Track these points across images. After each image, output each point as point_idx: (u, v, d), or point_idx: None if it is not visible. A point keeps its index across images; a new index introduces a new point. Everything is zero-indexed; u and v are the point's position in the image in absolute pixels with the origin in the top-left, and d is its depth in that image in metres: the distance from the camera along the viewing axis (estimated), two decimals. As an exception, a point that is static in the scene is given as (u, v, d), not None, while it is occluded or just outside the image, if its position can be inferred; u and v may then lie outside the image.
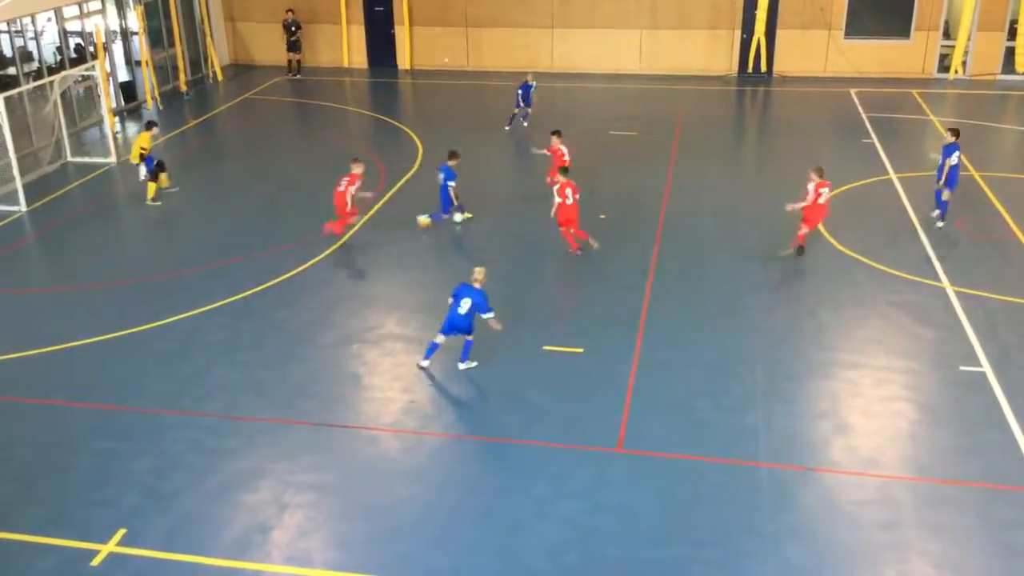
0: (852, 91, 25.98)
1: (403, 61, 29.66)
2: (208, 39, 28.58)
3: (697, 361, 12.35)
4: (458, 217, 17.01)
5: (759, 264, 15.22)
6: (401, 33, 29.41)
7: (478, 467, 10.41)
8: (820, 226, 16.45)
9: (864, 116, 23.57)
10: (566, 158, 17.25)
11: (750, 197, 18.45)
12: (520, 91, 22.62)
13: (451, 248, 16.35)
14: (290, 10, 28.83)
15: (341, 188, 15.79)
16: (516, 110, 22.80)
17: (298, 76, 29.00)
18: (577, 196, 15.26)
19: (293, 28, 28.81)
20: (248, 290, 14.41)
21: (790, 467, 10.22)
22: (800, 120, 24.11)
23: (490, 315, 11.89)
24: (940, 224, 16.48)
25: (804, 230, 15.32)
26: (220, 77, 28.61)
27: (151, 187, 18.49)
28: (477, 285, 11.86)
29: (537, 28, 28.65)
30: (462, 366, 12.24)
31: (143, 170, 18.44)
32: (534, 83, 22.79)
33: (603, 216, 17.20)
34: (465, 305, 11.82)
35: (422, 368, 12.24)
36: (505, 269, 15.25)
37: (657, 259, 15.43)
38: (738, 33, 27.85)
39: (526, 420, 11.15)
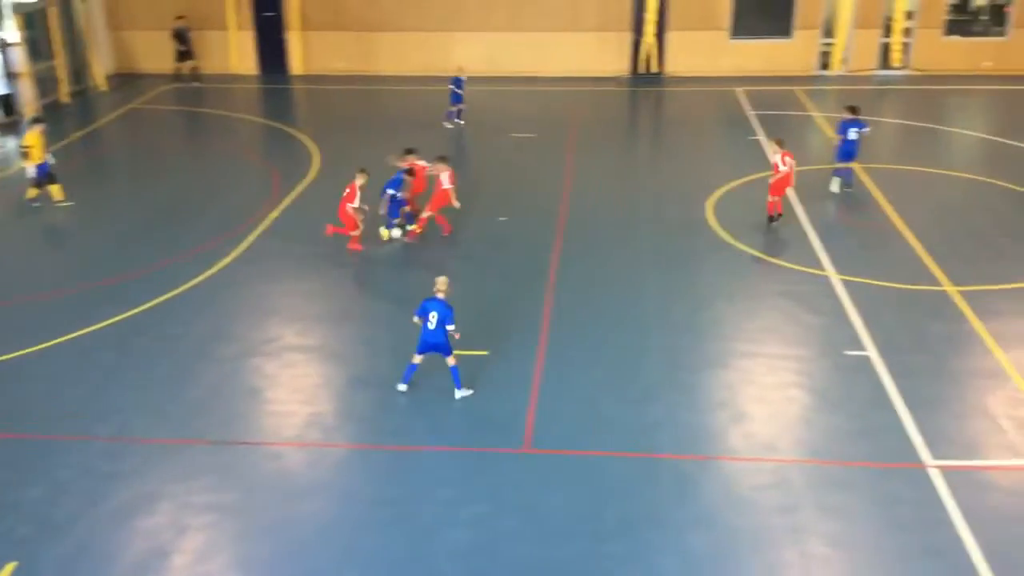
0: (739, 89, 26.77)
1: (295, 66, 29.21)
2: (90, 49, 27.58)
3: (600, 357, 12.53)
4: (396, 233, 16.37)
5: (656, 260, 15.54)
6: (292, 38, 28.97)
7: (384, 477, 10.32)
8: (713, 221, 16.95)
9: (750, 113, 24.32)
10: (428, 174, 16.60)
11: (645, 195, 18.82)
12: (452, 86, 22.94)
13: (347, 255, 16.14)
14: (180, 16, 28.02)
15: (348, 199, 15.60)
16: (459, 106, 23.06)
17: (198, 84, 28.20)
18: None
19: (184, 35, 28.02)
20: (139, 306, 13.96)
21: (692, 457, 10.46)
22: (690, 119, 24.73)
23: (452, 327, 11.36)
24: (846, 190, 18.25)
25: (772, 199, 16.52)
26: (104, 87, 27.65)
27: (33, 191, 18.04)
28: (441, 296, 11.41)
29: (432, 32, 28.61)
30: (458, 395, 11.63)
31: (32, 172, 17.90)
32: (464, 77, 23.05)
33: (503, 218, 17.30)
34: (433, 319, 11.31)
35: (401, 391, 11.76)
36: (406, 274, 15.20)
37: (558, 258, 15.60)
38: (629, 35, 28.37)
39: (431, 426, 11.13)
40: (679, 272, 15.13)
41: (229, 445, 10.77)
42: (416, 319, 11.47)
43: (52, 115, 24.82)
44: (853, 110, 18.33)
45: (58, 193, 18.17)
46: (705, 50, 28.41)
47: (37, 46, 25.52)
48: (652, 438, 10.81)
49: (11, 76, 24.86)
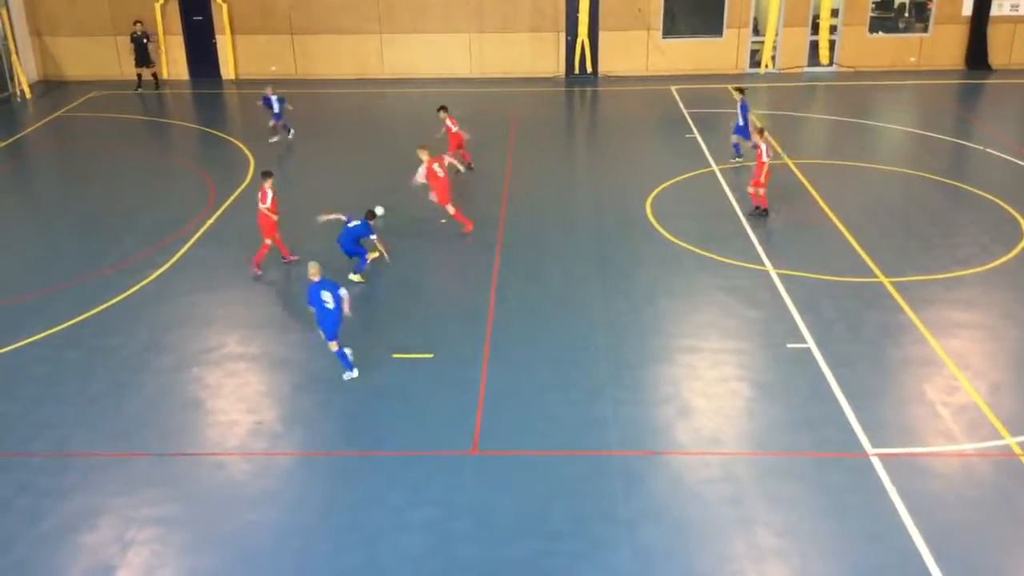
0: (673, 88, 27.11)
1: (227, 71, 28.74)
2: (13, 55, 26.77)
3: (545, 357, 12.57)
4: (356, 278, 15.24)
5: (597, 258, 15.65)
6: (223, 42, 28.50)
7: (332, 484, 10.21)
8: (653, 218, 17.15)
9: (685, 112, 24.64)
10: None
11: (584, 193, 18.95)
12: (263, 102, 22.24)
13: (275, 258, 15.91)
14: (138, 21, 27.27)
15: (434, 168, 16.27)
16: (274, 123, 22.21)
17: (156, 90, 27.56)
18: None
19: (143, 40, 27.30)
20: (72, 319, 13.59)
21: (639, 453, 10.56)
22: (627, 118, 24.96)
23: (343, 292, 11.85)
24: (738, 159, 20.19)
25: (757, 190, 17.06)
26: (28, 95, 26.86)
27: None
28: (317, 278, 11.80)
29: (365, 34, 28.40)
30: (352, 374, 12.10)
31: None
32: (274, 95, 22.06)
33: (444, 221, 17.24)
34: (330, 299, 11.72)
35: (354, 378, 12.03)
36: (343, 280, 15.04)
37: (500, 259, 15.61)
38: (563, 35, 28.54)
39: (379, 431, 11.05)
40: (620, 270, 15.26)
41: (172, 457, 10.55)
42: (310, 308, 11.85)
43: (-27, 124, 24.06)
44: (741, 91, 20.24)
45: None
46: (638, 50, 28.71)
47: (-45, 53, 24.70)
48: (599, 436, 10.88)
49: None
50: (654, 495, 9.89)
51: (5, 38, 26.54)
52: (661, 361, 12.55)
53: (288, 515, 9.65)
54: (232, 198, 18.55)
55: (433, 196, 16.59)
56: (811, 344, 12.75)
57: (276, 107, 21.96)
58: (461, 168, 18.89)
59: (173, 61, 28.67)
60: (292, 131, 22.43)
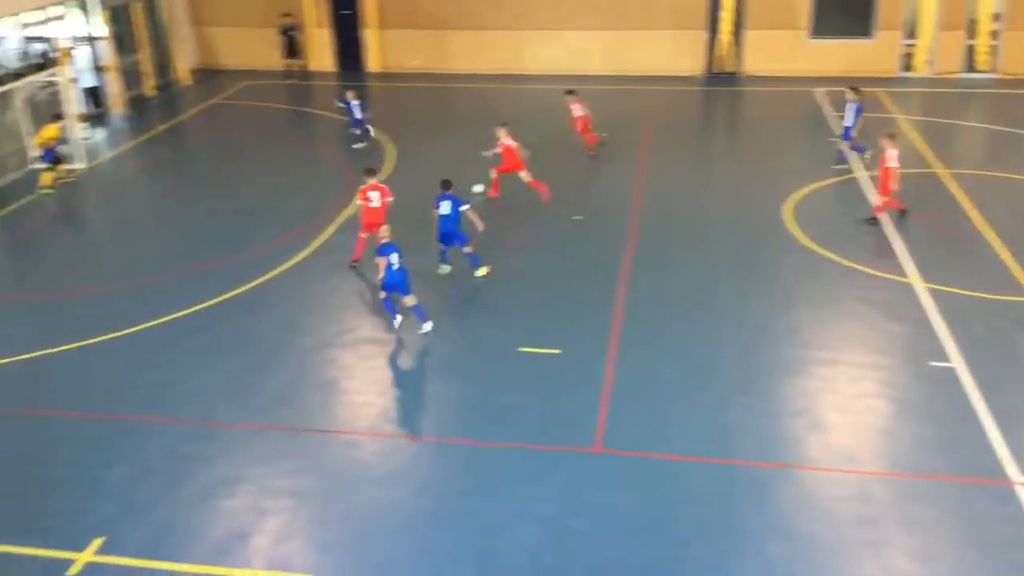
0: (818, 90, 26.27)
1: (371, 64, 29.55)
2: (174, 44, 28.29)
3: (673, 360, 12.42)
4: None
5: (732, 262, 15.34)
6: (369, 36, 29.31)
7: (456, 470, 10.39)
8: (792, 224, 16.70)
9: (830, 115, 23.84)
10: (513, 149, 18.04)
11: (720, 195, 18.59)
12: (343, 105, 22.06)
13: (424, 252, 16.24)
14: (287, 14, 28.45)
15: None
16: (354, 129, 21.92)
17: (303, 81, 28.52)
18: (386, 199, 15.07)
19: (291, 32, 28.47)
20: (220, 296, 14.27)
21: (768, 464, 10.30)
22: (767, 119, 24.34)
23: (393, 256, 12.85)
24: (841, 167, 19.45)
25: (887, 198, 16.53)
26: (187, 82, 28.33)
27: (48, 176, 18.82)
28: (387, 240, 12.89)
29: (504, 30, 28.68)
30: (427, 327, 13.02)
31: (42, 158, 18.82)
32: (355, 101, 21.80)
33: (579, 218, 17.27)
34: (396, 259, 12.80)
35: (426, 332, 12.99)
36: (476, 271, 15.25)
37: (631, 258, 15.51)
38: (705, 33, 28.07)
39: (503, 422, 11.15)
40: (756, 275, 14.91)
41: (307, 433, 10.95)
42: (378, 259, 12.82)
43: (137, 108, 25.58)
44: (856, 91, 19.37)
45: (62, 172, 19.36)
46: (783, 50, 27.94)
47: (123, 41, 26.25)
48: (727, 443, 10.67)
49: (99, 70, 25.64)
50: (782, 509, 9.63)
51: (167, 27, 28.05)
52: (796, 372, 12.20)
53: (412, 497, 9.88)
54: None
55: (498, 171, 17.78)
56: (956, 363, 12.14)
57: (357, 113, 21.76)
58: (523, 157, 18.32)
59: (320, 53, 29.68)
60: (371, 132, 22.09)
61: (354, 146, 21.73)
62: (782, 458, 10.44)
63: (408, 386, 12.10)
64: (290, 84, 28.38)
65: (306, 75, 28.90)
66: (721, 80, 28.00)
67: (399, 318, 13.21)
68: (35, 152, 19.20)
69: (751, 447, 10.60)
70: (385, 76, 29.18)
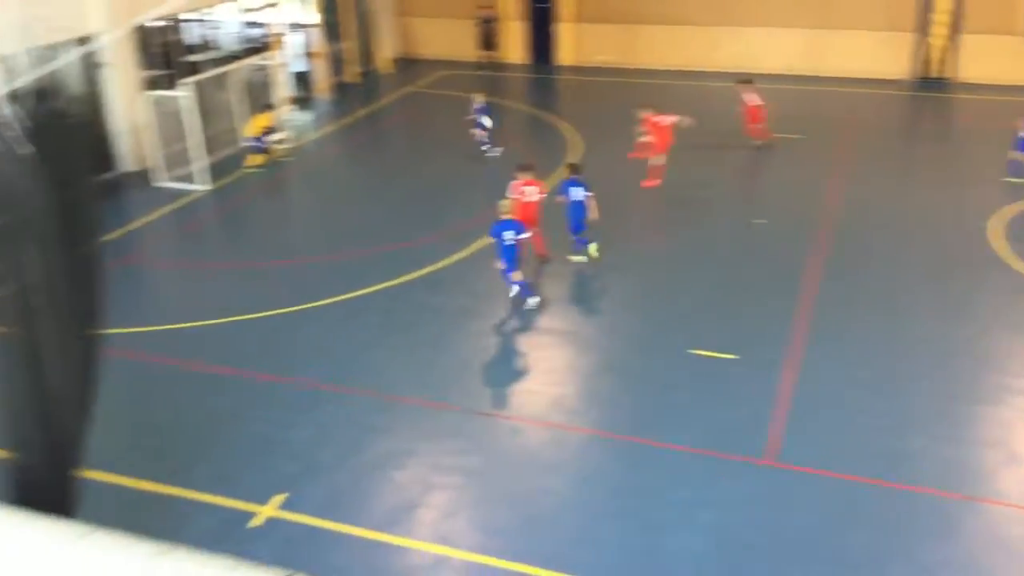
0: (1040, 101, 24.29)
1: (563, 57, 29.77)
2: (378, 33, 29.54)
3: (858, 376, 11.85)
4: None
5: (931, 279, 14.47)
6: (563, 29, 29.53)
7: (621, 467, 10.35)
8: (1000, 242, 15.58)
9: (1053, 128, 21.97)
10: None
11: (921, 207, 17.56)
12: (477, 113, 21.06)
13: (608, 247, 16.22)
14: (485, 6, 29.21)
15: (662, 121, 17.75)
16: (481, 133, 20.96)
17: (495, 72, 29.11)
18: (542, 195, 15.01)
19: (489, 24, 29.22)
20: (401, 276, 14.80)
21: (953, 495, 9.67)
22: (980, 130, 22.74)
23: (527, 235, 13.56)
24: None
25: None
26: (388, 70, 29.52)
27: (257, 158, 20.12)
28: (505, 216, 13.40)
29: (702, 25, 28.17)
30: (533, 301, 13.63)
31: (255, 144, 20.16)
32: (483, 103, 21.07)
33: (762, 221, 16.78)
34: (509, 236, 13.28)
35: (535, 303, 13.59)
36: (658, 271, 15.11)
37: (819, 267, 14.91)
38: (916, 36, 26.53)
39: (673, 424, 11.00)
40: (956, 294, 13.99)
41: (477, 415, 11.21)
42: (493, 239, 13.49)
43: (340, 93, 26.90)
44: None
45: (259, 160, 20.40)
46: (1003, 56, 25.99)
47: (332, 29, 27.67)
48: (909, 469, 10.08)
49: (307, 56, 27.16)
50: (964, 544, 9.02)
51: (372, 17, 29.33)
52: (992, 401, 11.36)
53: (576, 489, 9.93)
54: (553, 178, 19.20)
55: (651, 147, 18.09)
56: None
57: (486, 120, 20.99)
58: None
59: (514, 45, 30.18)
60: (489, 146, 20.97)
61: (488, 154, 20.88)
62: (970, 490, 9.76)
63: (578, 378, 12.15)
64: (483, 75, 29.04)
65: (499, 66, 29.47)
66: (931, 86, 26.41)
67: (537, 298, 13.73)
68: (246, 142, 20.49)
69: (936, 475, 9.97)
70: (575, 70, 29.33)
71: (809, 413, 11.09)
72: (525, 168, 15.29)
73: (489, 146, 20.94)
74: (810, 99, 25.36)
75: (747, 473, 10.09)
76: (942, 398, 11.34)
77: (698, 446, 10.55)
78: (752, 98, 20.36)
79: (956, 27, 26.09)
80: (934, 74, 26.56)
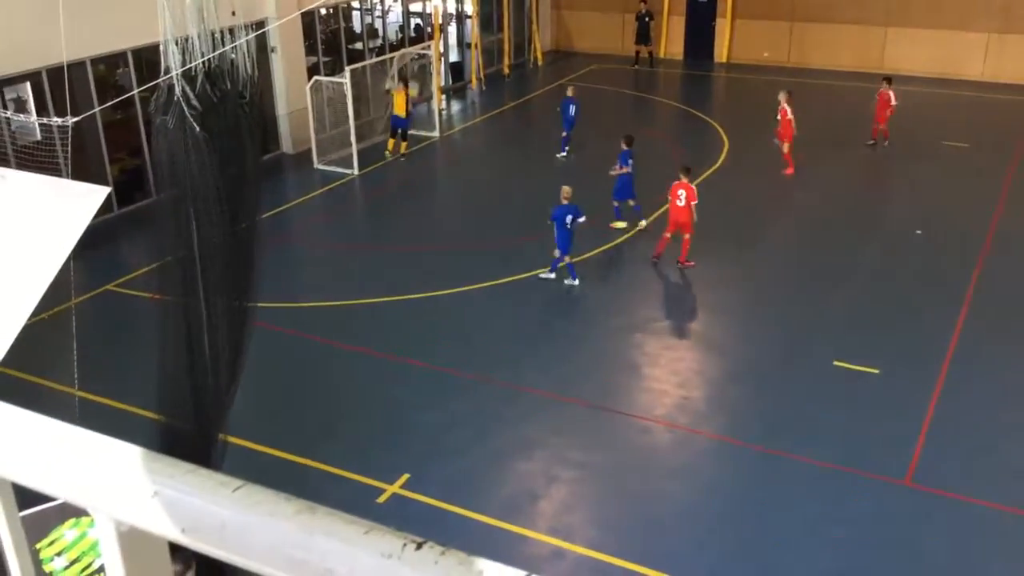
0: None
1: (720, 54, 29.15)
2: (534, 25, 29.78)
3: (1011, 400, 11.15)
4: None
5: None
6: (722, 25, 28.91)
7: (748, 475, 10.12)
8: None
9: None
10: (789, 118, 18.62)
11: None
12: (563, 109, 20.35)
13: (743, 248, 15.83)
14: (644, 0, 29.03)
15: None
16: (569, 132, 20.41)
17: (650, 68, 28.89)
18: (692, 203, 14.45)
19: (646, 19, 29.06)
20: (534, 269, 14.84)
21: (1112, 536, 8.98)
22: None
23: (583, 219, 13.87)
24: None
25: None
26: (541, 62, 29.72)
27: (403, 143, 20.34)
28: (566, 201, 13.81)
29: (869, 25, 26.96)
30: (573, 282, 13.99)
31: (403, 123, 20.27)
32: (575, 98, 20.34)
33: (919, 232, 15.98)
34: (570, 220, 13.67)
35: (575, 285, 13.96)
36: (803, 277, 14.64)
37: (977, 283, 14.08)
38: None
39: (805, 435, 10.65)
40: None
41: (604, 411, 11.20)
42: (551, 223, 13.87)
43: (492, 84, 27.27)
44: None
45: (402, 148, 20.43)
46: None
47: (488, 20, 28.07)
48: (1064, 503, 9.43)
49: (464, 46, 27.67)
50: (1123, 589, 8.37)
51: (530, 10, 29.58)
52: None
53: (698, 494, 9.78)
54: (703, 177, 18.88)
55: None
56: None
57: (572, 112, 20.38)
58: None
59: (671, 41, 29.77)
60: (568, 148, 20.43)
61: (557, 155, 20.47)
62: None
63: (708, 382, 11.95)
64: (637, 70, 28.77)
65: (653, 61, 29.13)
66: (1121, 94, 24.39)
67: (576, 281, 14.02)
68: (396, 122, 20.64)
69: (1093, 513, 9.28)
70: (733, 67, 28.67)
71: (954, 435, 10.52)
72: (685, 170, 14.87)
73: (564, 148, 20.39)
74: (986, 107, 23.88)
75: (884, 492, 9.68)
76: (1107, 432, 10.53)
77: (834, 461, 10.18)
78: (891, 97, 19.86)
79: None
80: None
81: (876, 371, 11.81)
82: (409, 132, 20.76)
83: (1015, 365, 11.90)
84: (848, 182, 18.63)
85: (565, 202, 13.91)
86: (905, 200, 17.42)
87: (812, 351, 12.33)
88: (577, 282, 14.06)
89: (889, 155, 20.11)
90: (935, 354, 12.14)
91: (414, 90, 21.57)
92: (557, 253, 14.02)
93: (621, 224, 16.15)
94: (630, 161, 16.07)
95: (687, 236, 14.56)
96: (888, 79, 20.36)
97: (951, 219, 16.75)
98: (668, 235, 14.82)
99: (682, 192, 14.48)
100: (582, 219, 13.95)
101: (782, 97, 18.82)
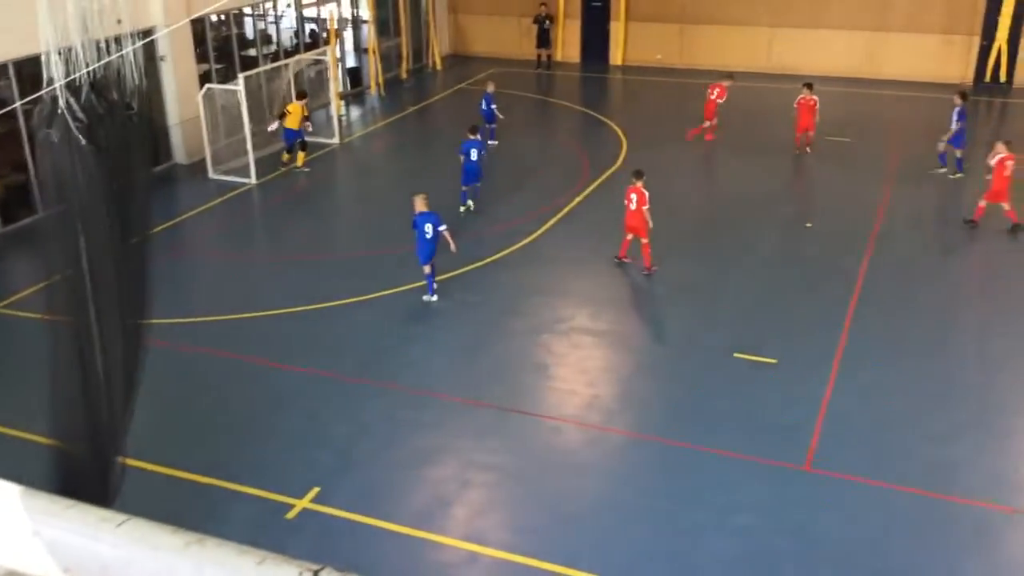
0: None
1: (615, 56, 29.64)
2: (431, 30, 29.71)
3: (901, 384, 11.66)
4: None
5: (981, 288, 14.17)
6: (616, 28, 29.41)
7: (657, 469, 10.31)
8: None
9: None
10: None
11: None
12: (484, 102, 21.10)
13: (652, 247, 16.13)
14: (543, 4, 29.23)
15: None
16: (492, 125, 21.10)
17: (548, 71, 29.18)
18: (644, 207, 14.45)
19: (545, 23, 29.26)
20: (447, 273, 14.88)
21: (998, 507, 9.47)
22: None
23: (444, 227, 13.61)
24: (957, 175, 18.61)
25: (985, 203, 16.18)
26: (439, 67, 29.68)
27: (300, 155, 19.93)
28: (425, 209, 13.61)
29: (756, 26, 27.83)
30: (425, 299, 13.85)
31: (295, 136, 19.78)
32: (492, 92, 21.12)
33: (809, 225, 16.57)
34: (430, 229, 13.48)
35: (433, 301, 13.83)
36: (701, 272, 15.00)
37: (865, 273, 14.68)
38: (977, 39, 25.92)
39: (709, 427, 10.93)
40: (1006, 304, 13.68)
41: (514, 413, 11.25)
42: (414, 231, 13.72)
43: (391, 90, 27.09)
44: (963, 96, 18.70)
45: (300, 160, 19.99)
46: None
47: (385, 25, 27.88)
48: (952, 479, 9.90)
49: (361, 51, 27.42)
50: (1009, 557, 8.84)
51: (427, 14, 29.51)
52: (1040, 412, 11.12)
53: (611, 490, 9.92)
54: (602, 178, 19.18)
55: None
56: None
57: (489, 107, 20.99)
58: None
59: (568, 44, 30.12)
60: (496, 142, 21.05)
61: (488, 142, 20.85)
62: (1014, 502, 9.56)
63: (617, 379, 12.13)
64: (534, 73, 29.03)
65: (551, 64, 29.44)
66: (991, 90, 25.78)
67: (434, 298, 13.90)
68: (287, 135, 20.00)
69: (978, 486, 9.78)
70: (628, 69, 29.20)
71: (850, 420, 10.93)
72: (637, 174, 14.68)
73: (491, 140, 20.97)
74: (865, 102, 24.90)
75: (784, 479, 9.99)
76: (989, 409, 11.11)
77: (737, 451, 10.46)
78: (808, 100, 20.11)
79: (1018, 30, 25.42)
80: (998, 79, 25.89)
81: (774, 361, 12.19)
82: (307, 141, 20.42)
83: (903, 350, 12.44)
84: (738, 178, 19.16)
85: (425, 209, 13.66)
86: (793, 194, 18.02)
87: (714, 344, 12.64)
88: (435, 298, 13.83)
89: (775, 150, 20.78)
90: (829, 342, 12.60)
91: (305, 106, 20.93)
92: (425, 268, 13.76)
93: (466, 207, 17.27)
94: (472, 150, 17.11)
95: (645, 241, 14.54)
96: (809, 84, 20.50)
97: (839, 211, 17.42)
98: (628, 238, 14.79)
99: (634, 196, 14.51)
100: (443, 228, 13.58)
101: (726, 82, 20.85)
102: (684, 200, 18.10)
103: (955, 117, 18.50)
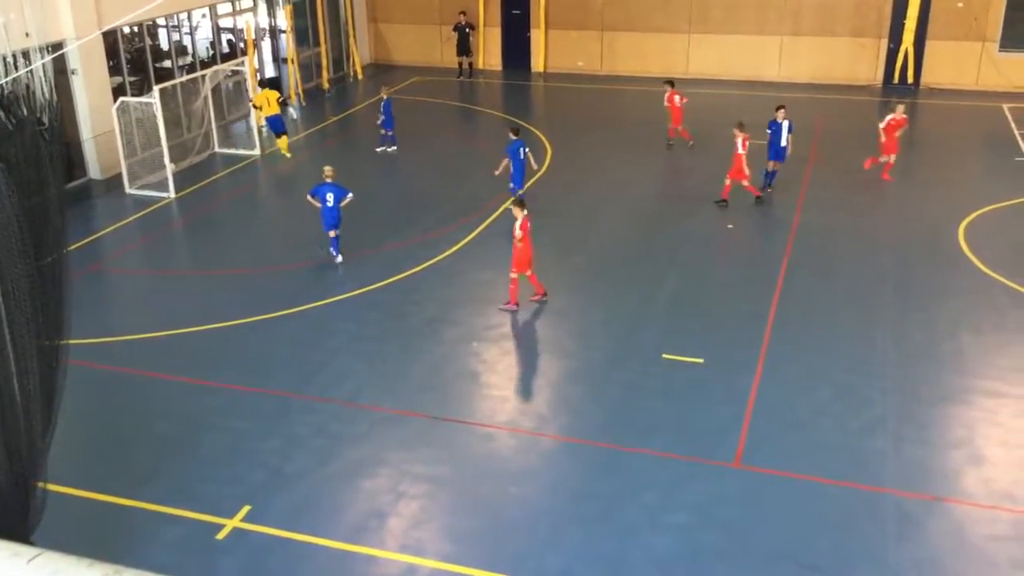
0: (1006, 107, 24.63)
1: (537, 64, 29.85)
2: (351, 39, 29.49)
3: (824, 379, 11.96)
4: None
5: (896, 283, 14.62)
6: (536, 36, 29.61)
7: (591, 472, 10.38)
8: (965, 246, 15.75)
9: (1017, 133, 22.31)
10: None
11: (889, 213, 17.75)
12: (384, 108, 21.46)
13: (571, 251, 16.28)
14: (462, 12, 29.23)
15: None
16: (384, 131, 21.59)
17: (470, 79, 29.27)
18: None
19: (466, 30, 29.25)
20: (373, 284, 14.77)
21: (918, 495, 9.78)
22: (947, 135, 23.04)
23: (349, 196, 15.01)
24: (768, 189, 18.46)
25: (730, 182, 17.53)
26: (360, 76, 29.46)
27: (283, 140, 20.98)
28: (330, 180, 15.03)
29: (673, 33, 28.35)
30: (340, 258, 15.26)
31: (276, 121, 20.73)
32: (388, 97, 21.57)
33: (731, 226, 16.90)
34: (331, 198, 14.87)
35: (340, 262, 15.28)
36: (628, 275, 15.16)
37: (786, 272, 15.03)
38: (884, 42, 26.84)
39: (641, 428, 11.05)
40: (921, 297, 14.15)
41: (447, 422, 11.20)
42: (311, 199, 15.21)
43: (312, 99, 26.80)
44: (782, 108, 18.63)
45: (283, 146, 20.87)
46: (968, 62, 26.36)
47: (304, 35, 27.58)
48: (875, 470, 10.19)
49: (280, 61, 27.05)
50: (930, 544, 9.12)
51: (346, 23, 29.28)
52: (956, 401, 11.51)
53: (545, 495, 9.94)
54: (529, 184, 19.24)
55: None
56: None
57: (388, 114, 21.38)
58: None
59: (489, 52, 30.22)
60: (395, 147, 21.67)
61: (377, 149, 21.69)
62: (934, 490, 9.87)
63: (548, 384, 12.18)
64: (457, 81, 29.05)
65: (472, 72, 29.50)
66: (899, 91, 26.69)
67: (339, 258, 15.35)
68: (267, 123, 21.13)
69: (901, 475, 10.08)
70: (550, 76, 29.42)
71: (777, 416, 11.17)
72: (519, 203, 13.94)
73: (389, 143, 21.72)
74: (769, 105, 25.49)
75: (715, 476, 10.15)
76: (907, 400, 11.47)
77: (668, 450, 10.60)
78: (675, 99, 21.16)
79: (922, 34, 26.39)
80: (906, 80, 26.82)
81: (701, 361, 12.38)
82: (230, 152, 20.12)
83: (821, 345, 12.77)
84: (660, 181, 19.46)
85: (330, 180, 15.06)
86: (713, 196, 18.32)
87: (642, 346, 12.79)
88: (340, 258, 15.28)
89: (692, 153, 21.16)
90: (753, 340, 12.86)
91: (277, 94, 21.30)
92: (331, 232, 15.16)
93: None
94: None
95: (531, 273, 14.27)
96: (671, 82, 21.53)
97: (758, 210, 17.80)
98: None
99: (520, 224, 14.41)
100: (349, 197, 14.98)
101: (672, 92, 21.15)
102: (608, 205, 18.25)
103: (785, 131, 18.22)
